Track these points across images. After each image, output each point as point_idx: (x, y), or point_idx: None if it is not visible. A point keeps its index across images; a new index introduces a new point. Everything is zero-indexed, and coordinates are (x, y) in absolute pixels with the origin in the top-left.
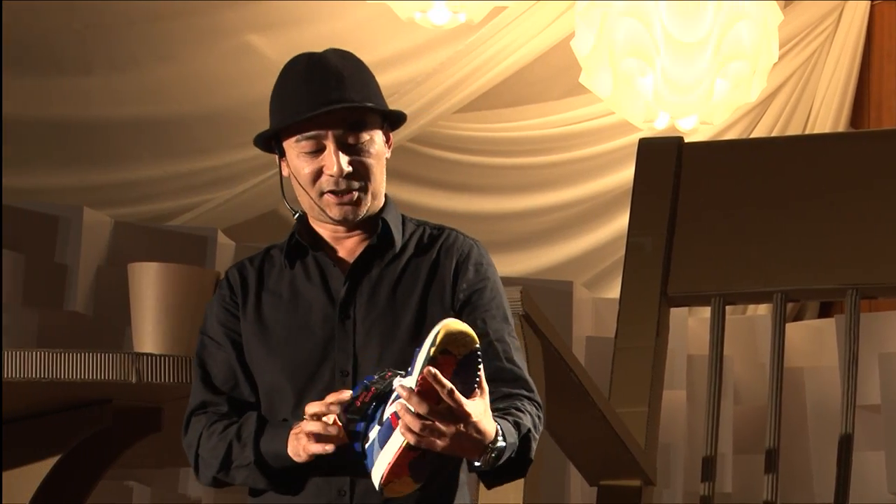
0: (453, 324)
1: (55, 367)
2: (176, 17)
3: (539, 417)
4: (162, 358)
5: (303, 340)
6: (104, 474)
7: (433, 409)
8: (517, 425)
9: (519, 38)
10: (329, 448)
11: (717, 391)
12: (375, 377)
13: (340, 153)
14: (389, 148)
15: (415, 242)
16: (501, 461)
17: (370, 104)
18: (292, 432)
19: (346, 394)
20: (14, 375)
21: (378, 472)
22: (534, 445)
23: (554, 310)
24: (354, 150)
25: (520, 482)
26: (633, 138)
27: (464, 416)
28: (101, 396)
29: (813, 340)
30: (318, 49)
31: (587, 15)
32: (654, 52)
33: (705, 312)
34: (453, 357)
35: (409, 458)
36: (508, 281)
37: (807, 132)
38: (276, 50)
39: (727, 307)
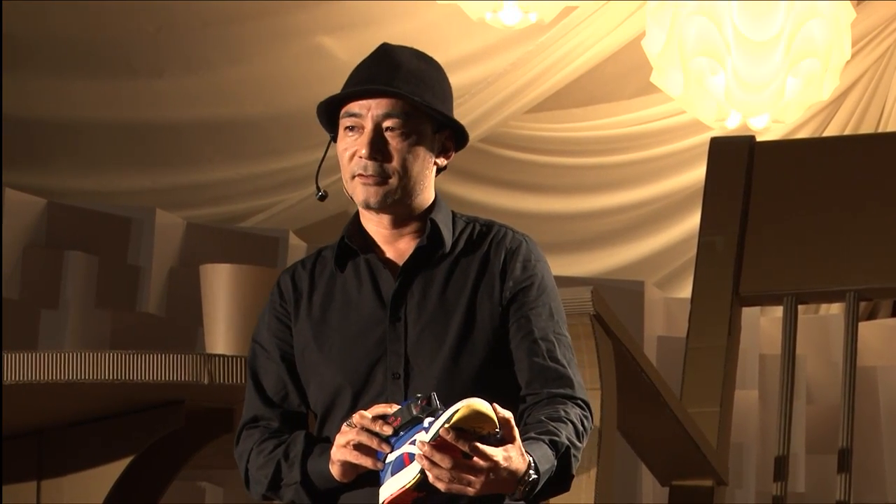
0: (476, 404)
1: (128, 369)
2: (248, 19)
3: (585, 418)
4: (234, 359)
5: (356, 344)
6: (177, 475)
7: (458, 461)
8: (554, 444)
9: (590, 38)
10: (361, 461)
11: (789, 391)
12: (417, 403)
13: (374, 137)
14: (447, 159)
15: (464, 240)
16: (539, 487)
17: (413, 97)
18: (335, 445)
19: (391, 408)
20: (87, 377)
21: (384, 493)
22: (575, 459)
23: (625, 310)
24: (389, 138)
25: (591, 483)
26: (705, 137)
27: (492, 465)
28: (173, 397)
29: (886, 339)
30: None
31: (658, 14)
32: (724, 50)
33: (777, 311)
34: (470, 433)
35: (413, 497)
36: (580, 281)
37: (879, 130)
38: (347, 51)
39: (799, 306)
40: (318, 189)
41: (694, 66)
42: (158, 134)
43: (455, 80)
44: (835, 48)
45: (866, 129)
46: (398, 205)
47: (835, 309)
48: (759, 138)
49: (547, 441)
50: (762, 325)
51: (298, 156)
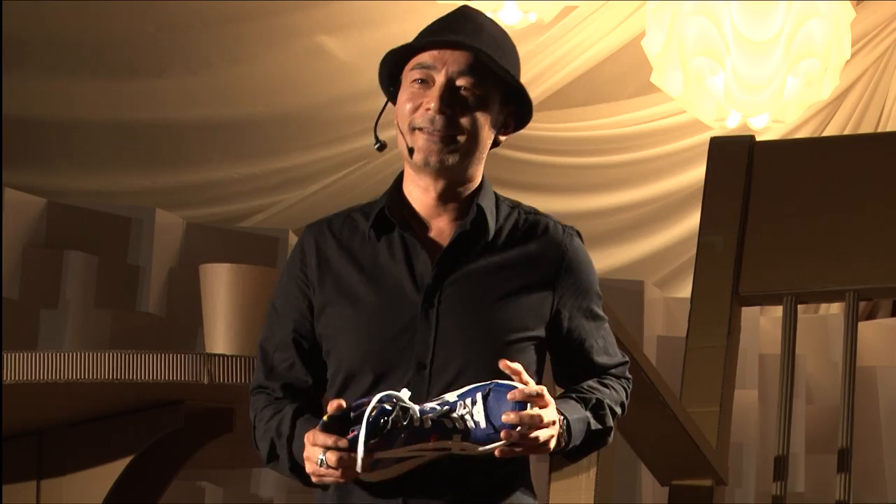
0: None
1: (128, 369)
2: (247, 20)
3: (623, 389)
4: (233, 359)
5: (383, 325)
6: (176, 475)
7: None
8: (583, 400)
9: (589, 38)
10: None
11: (789, 390)
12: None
13: (445, 93)
14: (505, 135)
15: (509, 229)
16: (575, 437)
17: (493, 56)
18: (305, 454)
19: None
20: (87, 377)
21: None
22: (608, 412)
23: (625, 309)
24: (461, 99)
25: (591, 483)
26: (705, 137)
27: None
28: (173, 397)
29: (886, 339)
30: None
31: (657, 14)
32: (724, 50)
33: (777, 311)
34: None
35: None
36: None
37: (879, 130)
38: (347, 51)
39: (799, 306)
40: (377, 140)
41: (693, 66)
42: (158, 134)
43: None
44: (834, 48)
45: (866, 128)
46: (454, 170)
47: (834, 309)
48: (758, 138)
49: (574, 397)
50: (762, 324)
51: (298, 156)
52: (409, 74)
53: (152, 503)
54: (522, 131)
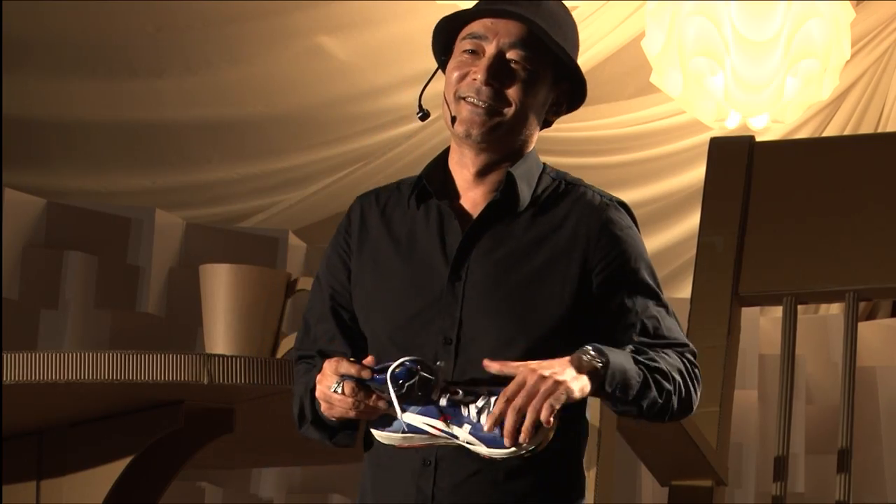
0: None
1: (127, 369)
2: (248, 20)
3: (690, 363)
4: (233, 359)
5: (410, 298)
6: (176, 475)
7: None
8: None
9: (589, 38)
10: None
11: (789, 391)
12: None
13: (494, 63)
14: (556, 115)
15: (545, 197)
16: (625, 375)
17: (549, 31)
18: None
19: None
20: (87, 377)
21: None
22: (668, 382)
23: None
24: (511, 71)
25: (591, 483)
26: (705, 137)
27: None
28: (173, 397)
29: (886, 339)
30: (390, 52)
31: (657, 14)
32: (724, 50)
33: (777, 312)
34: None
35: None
36: None
37: (879, 130)
38: (347, 51)
39: (799, 306)
40: (420, 108)
41: (693, 67)
42: (158, 134)
43: None
44: (834, 48)
45: (866, 129)
46: (497, 144)
47: (834, 309)
48: (758, 138)
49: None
50: (762, 325)
51: (298, 156)
52: (461, 44)
53: (152, 503)
54: None
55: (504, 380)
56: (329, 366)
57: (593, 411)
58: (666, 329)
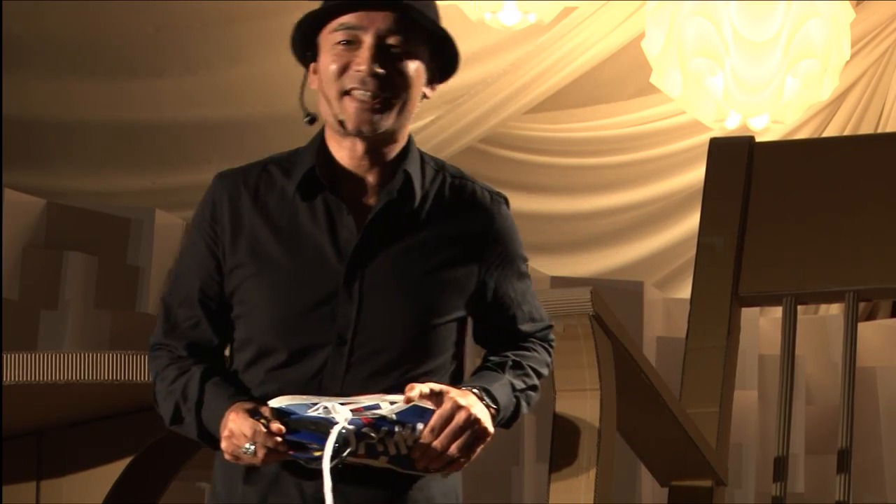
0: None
1: (128, 369)
2: (247, 20)
3: (550, 346)
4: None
5: (301, 294)
6: (176, 476)
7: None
8: (499, 366)
9: (589, 39)
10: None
11: (788, 391)
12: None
13: (377, 52)
14: (433, 90)
15: (435, 193)
16: (504, 404)
17: (426, 14)
18: (223, 435)
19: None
20: (87, 377)
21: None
22: (530, 371)
23: (624, 310)
24: (393, 57)
25: (591, 483)
26: (704, 138)
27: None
28: None
29: (885, 340)
30: None
31: (657, 15)
32: (723, 51)
33: (777, 312)
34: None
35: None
36: (579, 281)
37: (879, 131)
38: None
39: (799, 307)
40: (306, 113)
41: (693, 67)
42: (158, 134)
43: (454, 80)
44: (834, 48)
45: (866, 129)
46: (385, 134)
47: (834, 309)
48: (758, 139)
49: (490, 366)
50: (761, 325)
51: None
52: (331, 37)
53: (152, 503)
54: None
55: (401, 383)
56: (240, 427)
57: (593, 412)
58: (535, 310)
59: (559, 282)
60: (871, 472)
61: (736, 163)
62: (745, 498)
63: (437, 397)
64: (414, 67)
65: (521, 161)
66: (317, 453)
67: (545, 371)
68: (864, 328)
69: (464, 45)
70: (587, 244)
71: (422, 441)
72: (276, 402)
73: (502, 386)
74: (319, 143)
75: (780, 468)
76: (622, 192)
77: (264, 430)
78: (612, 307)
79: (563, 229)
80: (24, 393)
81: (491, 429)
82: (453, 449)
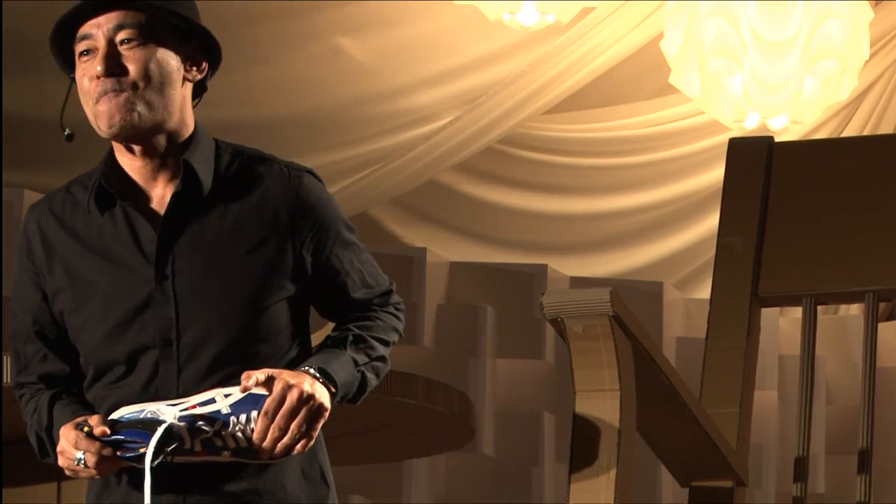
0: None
1: None
2: (265, 21)
3: (396, 309)
4: None
5: (120, 305)
6: None
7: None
8: (340, 341)
9: (608, 39)
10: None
11: (809, 391)
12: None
13: (108, 51)
14: (200, 73)
15: (233, 176)
16: (344, 382)
17: (143, 5)
18: (58, 452)
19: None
20: None
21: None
22: (374, 342)
23: (644, 311)
24: (130, 52)
25: (611, 483)
26: (723, 138)
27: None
28: None
29: None
30: (408, 53)
31: (675, 15)
32: (742, 51)
33: (796, 312)
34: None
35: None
36: (598, 282)
37: None
38: (365, 52)
39: (819, 307)
40: (63, 129)
41: (711, 67)
42: None
43: (473, 81)
44: (853, 48)
45: (885, 129)
46: (145, 123)
47: (854, 310)
48: (777, 139)
49: (329, 343)
50: (781, 325)
51: (316, 157)
52: (77, 49)
53: None
54: (541, 132)
55: (237, 374)
56: (67, 440)
57: (612, 412)
58: (369, 276)
59: (578, 282)
60: (891, 473)
61: (755, 163)
62: (765, 498)
63: (270, 382)
64: (152, 55)
65: (539, 161)
66: (143, 450)
67: (394, 337)
68: (884, 328)
69: (482, 46)
70: (606, 244)
71: (258, 427)
72: (113, 415)
73: (342, 363)
74: (108, 153)
75: (801, 468)
76: (641, 193)
77: (85, 436)
78: (631, 307)
79: (583, 230)
80: None
81: (327, 404)
82: (293, 428)
